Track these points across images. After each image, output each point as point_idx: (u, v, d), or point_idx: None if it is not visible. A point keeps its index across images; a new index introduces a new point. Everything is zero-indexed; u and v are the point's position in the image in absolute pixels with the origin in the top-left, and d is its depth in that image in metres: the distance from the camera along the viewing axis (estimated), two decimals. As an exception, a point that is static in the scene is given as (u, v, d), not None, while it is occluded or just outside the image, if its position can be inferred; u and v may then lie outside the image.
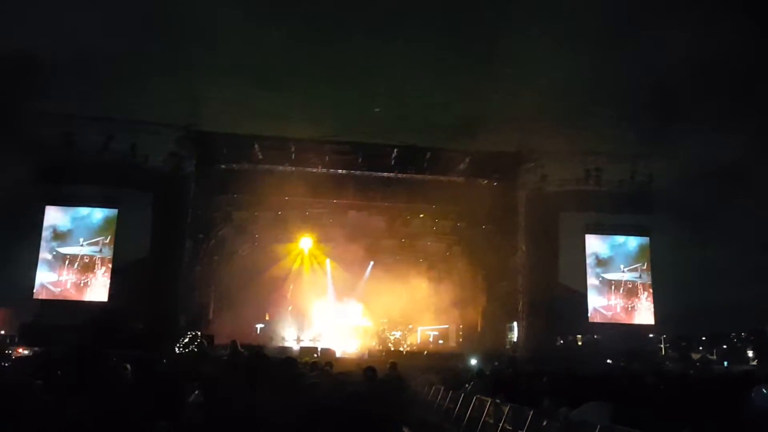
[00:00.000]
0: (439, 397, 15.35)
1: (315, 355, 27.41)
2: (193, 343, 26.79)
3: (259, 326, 34.47)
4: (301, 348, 31.46)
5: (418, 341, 36.68)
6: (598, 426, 7.59)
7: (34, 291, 30.37)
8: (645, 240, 34.01)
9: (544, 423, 9.33)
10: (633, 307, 33.37)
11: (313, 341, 33.19)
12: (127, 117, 31.33)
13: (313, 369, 10.95)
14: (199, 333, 28.35)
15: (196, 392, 4.98)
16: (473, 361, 30.81)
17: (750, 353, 55.87)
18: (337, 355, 28.96)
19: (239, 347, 13.26)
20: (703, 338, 61.99)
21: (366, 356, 29.59)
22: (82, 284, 30.75)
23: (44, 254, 30.81)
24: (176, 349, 26.63)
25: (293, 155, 32.74)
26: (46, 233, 30.96)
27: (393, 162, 33.18)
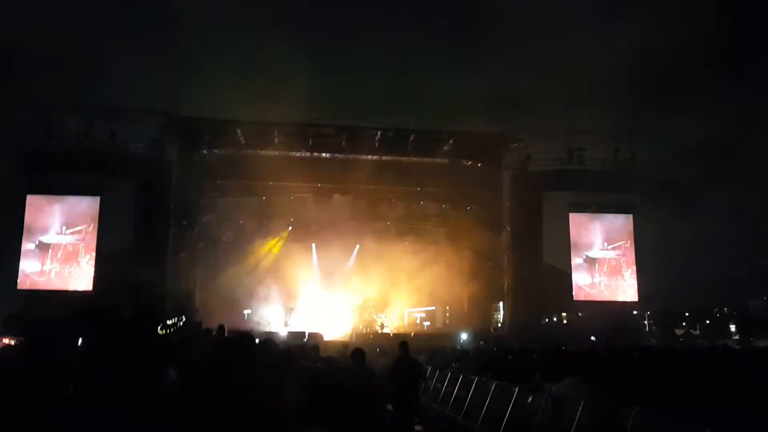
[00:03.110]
0: (426, 376, 15.45)
1: (303, 339, 27.49)
2: (176, 325, 26.79)
3: (246, 312, 34.41)
4: (289, 332, 31.50)
5: (405, 323, 36.86)
6: (582, 401, 7.70)
7: (18, 281, 30.09)
8: (628, 218, 34.29)
9: (530, 399, 9.44)
10: (617, 285, 33.74)
11: (301, 325, 33.22)
12: (107, 104, 30.99)
13: (300, 352, 10.96)
14: (183, 317, 28.35)
15: (170, 370, 4.97)
16: (462, 339, 31.12)
17: (732, 328, 56.75)
18: (325, 338, 29.01)
19: (225, 332, 13.24)
20: (687, 314, 62.81)
21: (354, 339, 29.70)
22: (66, 273, 30.51)
23: (26, 244, 30.49)
24: (158, 330, 26.65)
25: (276, 139, 32.59)
26: (27, 223, 30.62)
27: (377, 145, 33.14)
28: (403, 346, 9.91)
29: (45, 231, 30.76)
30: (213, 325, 24.43)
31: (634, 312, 35.86)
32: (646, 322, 39.37)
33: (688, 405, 6.60)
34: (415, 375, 9.62)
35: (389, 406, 8.22)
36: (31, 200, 30.88)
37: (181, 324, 27.35)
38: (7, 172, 29.48)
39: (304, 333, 30.53)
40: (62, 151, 29.85)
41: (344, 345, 16.68)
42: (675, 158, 31.99)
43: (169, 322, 27.58)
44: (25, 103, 28.82)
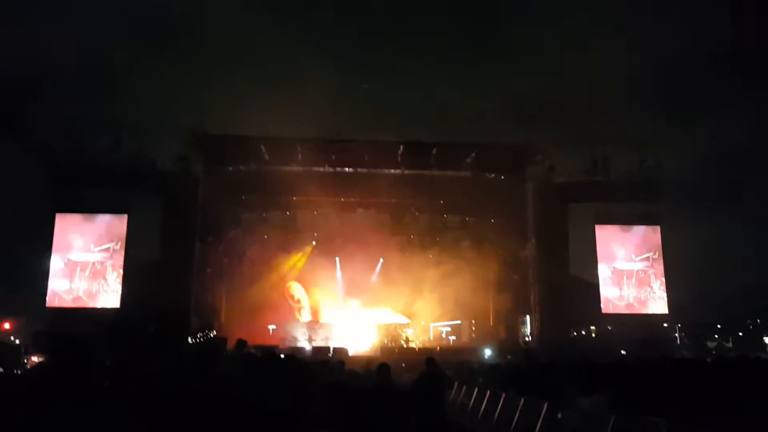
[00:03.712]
0: (453, 391, 15.28)
1: (328, 355, 27.41)
2: (206, 338, 27.09)
3: (271, 327, 34.45)
4: (314, 348, 31.44)
5: (431, 337, 36.54)
6: (613, 416, 7.53)
7: (47, 299, 30.54)
8: (656, 229, 33.71)
9: (559, 415, 9.26)
10: (646, 297, 33.14)
11: (326, 341, 33.15)
12: (135, 121, 31.56)
13: (324, 368, 10.91)
14: (214, 332, 28.69)
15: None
16: (487, 355, 30.75)
17: (766, 339, 55.30)
18: (350, 353, 28.90)
19: (245, 347, 13.21)
20: (719, 326, 61.39)
21: (379, 354, 29.53)
22: (94, 291, 30.92)
23: (55, 262, 30.98)
24: (188, 339, 27.06)
25: (299, 155, 32.78)
26: (56, 241, 31.12)
27: (399, 159, 33.13)
28: (429, 362, 9.66)
29: (73, 249, 31.23)
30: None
31: (665, 324, 35.13)
32: (677, 335, 38.53)
33: (718, 417, 6.41)
34: (441, 388, 9.41)
35: (414, 421, 8.09)
36: (60, 218, 31.42)
37: (210, 336, 27.69)
38: (36, 190, 30.05)
39: (329, 348, 30.46)
40: (90, 169, 30.38)
41: (368, 360, 16.61)
42: (702, 166, 31.41)
43: (199, 333, 27.97)
44: (54, 121, 29.42)
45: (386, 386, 7.18)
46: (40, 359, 24.84)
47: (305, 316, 36.78)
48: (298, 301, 37.51)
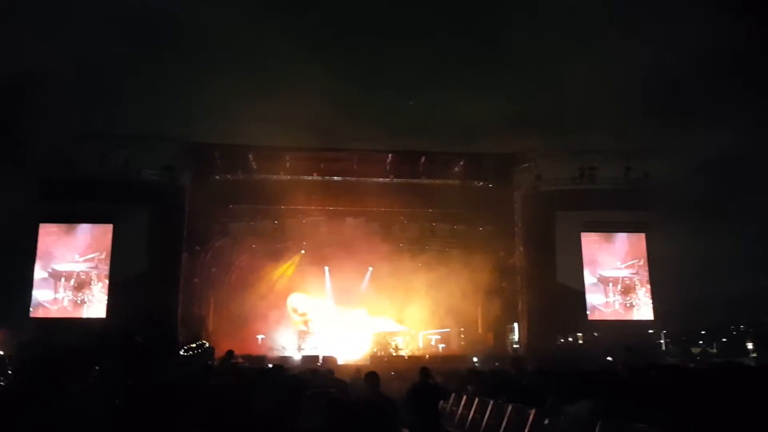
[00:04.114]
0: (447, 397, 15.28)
1: (317, 363, 27.36)
2: (199, 349, 26.89)
3: (260, 337, 34.33)
4: (303, 357, 31.38)
5: (420, 345, 36.57)
6: (599, 422, 7.59)
7: (31, 310, 30.25)
8: (641, 236, 34.05)
9: (546, 422, 9.32)
10: (632, 304, 33.41)
11: (315, 349, 33.08)
12: (120, 131, 31.35)
13: (314, 377, 10.91)
14: (206, 343, 28.52)
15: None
16: (475, 362, 30.81)
17: (750, 345, 55.78)
18: (339, 362, 28.85)
19: (233, 358, 13.16)
20: (703, 332, 61.87)
21: (368, 363, 29.50)
22: (79, 301, 30.67)
23: (39, 272, 30.71)
24: (181, 351, 26.85)
25: (288, 164, 32.80)
26: (40, 251, 30.86)
27: (388, 167, 33.26)
28: (423, 372, 9.47)
29: (58, 259, 30.99)
30: (226, 350, 24.50)
31: (650, 331, 35.40)
32: (662, 341, 38.79)
33: (703, 424, 6.50)
34: (434, 400, 9.19)
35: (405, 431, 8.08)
36: (44, 229, 31.17)
37: (202, 350, 27.50)
38: (20, 201, 29.77)
39: (318, 357, 30.41)
40: (76, 180, 30.15)
41: (358, 369, 16.58)
42: (687, 175, 31.74)
43: (193, 345, 27.77)
44: (38, 132, 29.18)
45: (375, 397, 7.18)
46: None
47: (314, 328, 36.48)
48: (304, 313, 37.19)
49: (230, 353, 11.46)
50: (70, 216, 31.54)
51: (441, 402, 10.05)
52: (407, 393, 9.03)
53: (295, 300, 37.52)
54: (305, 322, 36.98)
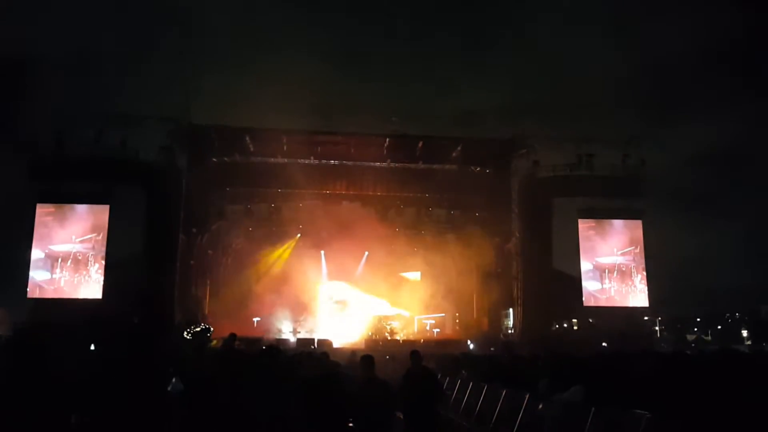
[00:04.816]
0: (443, 389, 15.34)
1: (312, 347, 27.47)
2: (206, 334, 27.01)
3: (255, 319, 34.41)
4: (298, 339, 31.49)
5: (415, 330, 36.73)
6: (593, 408, 7.64)
7: (28, 290, 30.23)
8: (637, 223, 34.06)
9: (540, 406, 9.38)
10: (627, 291, 33.49)
11: (310, 333, 33.18)
12: (117, 112, 31.19)
13: (308, 359, 10.93)
14: (209, 327, 28.65)
15: (174, 380, 4.98)
16: (470, 347, 30.99)
17: (744, 333, 56.22)
18: (334, 345, 28.96)
19: (235, 341, 13.18)
20: (698, 319, 62.27)
21: (363, 346, 29.62)
22: (75, 281, 30.63)
23: (36, 253, 30.65)
24: (184, 334, 26.93)
25: (285, 147, 32.68)
26: (37, 232, 30.79)
27: (385, 152, 33.17)
28: (414, 356, 8.79)
29: (54, 240, 30.90)
30: (223, 332, 24.63)
31: (645, 318, 35.59)
32: (657, 328, 39.06)
33: (697, 410, 6.54)
34: (429, 387, 8.75)
35: (400, 415, 8.04)
36: (41, 209, 31.05)
37: (200, 330, 27.70)
38: (17, 181, 29.69)
39: (313, 340, 30.52)
40: (73, 160, 30.02)
41: (353, 352, 16.64)
42: (685, 164, 31.86)
43: (197, 329, 27.90)
44: (35, 113, 29.04)
45: (370, 380, 7.17)
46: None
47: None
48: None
49: (233, 336, 11.47)
50: (66, 196, 31.40)
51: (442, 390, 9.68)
52: (402, 379, 8.69)
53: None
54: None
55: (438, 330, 36.29)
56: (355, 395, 6.92)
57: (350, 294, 37.41)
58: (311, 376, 6.94)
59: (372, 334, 34.29)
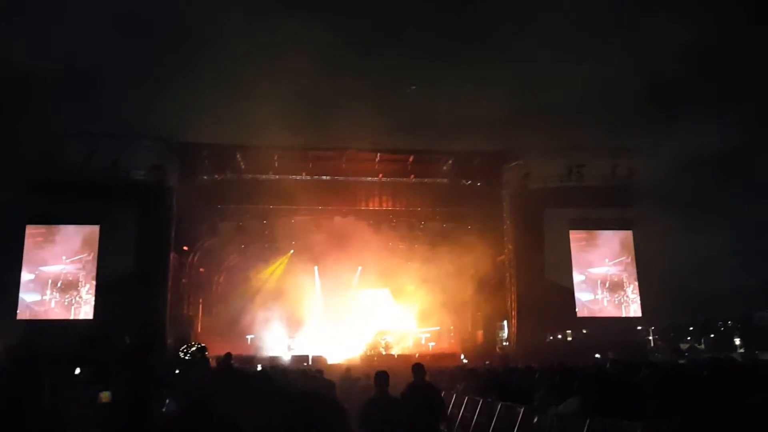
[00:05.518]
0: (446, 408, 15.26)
1: (306, 363, 27.29)
2: (203, 352, 26.70)
3: (249, 336, 34.22)
4: (292, 356, 31.27)
5: (410, 344, 36.60)
6: (588, 419, 7.63)
7: (18, 312, 29.96)
8: (628, 233, 34.24)
9: (535, 420, 9.35)
10: (620, 301, 33.60)
11: (304, 349, 32.99)
12: (108, 131, 31.14)
13: (304, 377, 10.90)
14: (204, 345, 28.34)
15: (168, 400, 4.94)
16: (465, 361, 30.89)
17: (737, 341, 56.30)
18: (329, 362, 28.80)
19: (231, 359, 13.12)
20: (691, 328, 62.35)
21: (358, 362, 29.46)
22: (66, 303, 30.41)
23: (26, 274, 30.43)
24: (180, 353, 26.67)
25: (276, 163, 32.73)
26: (27, 253, 30.58)
27: (377, 166, 33.30)
28: (416, 369, 8.42)
29: (44, 261, 30.71)
30: (216, 350, 24.47)
31: (638, 327, 35.64)
32: (650, 338, 39.09)
33: (692, 421, 6.54)
34: (432, 402, 8.50)
35: None
36: (31, 230, 30.88)
37: (194, 350, 27.39)
38: (6, 202, 29.50)
39: (307, 357, 30.34)
40: (62, 180, 29.91)
41: (347, 368, 16.56)
42: (674, 172, 32.03)
43: (193, 347, 27.63)
44: (24, 133, 28.91)
45: (383, 397, 7.13)
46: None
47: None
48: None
49: (228, 355, 11.45)
50: (56, 217, 31.25)
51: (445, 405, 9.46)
52: (405, 393, 8.47)
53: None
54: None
55: (433, 344, 36.19)
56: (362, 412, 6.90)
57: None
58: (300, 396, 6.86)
59: (367, 349, 34.12)
